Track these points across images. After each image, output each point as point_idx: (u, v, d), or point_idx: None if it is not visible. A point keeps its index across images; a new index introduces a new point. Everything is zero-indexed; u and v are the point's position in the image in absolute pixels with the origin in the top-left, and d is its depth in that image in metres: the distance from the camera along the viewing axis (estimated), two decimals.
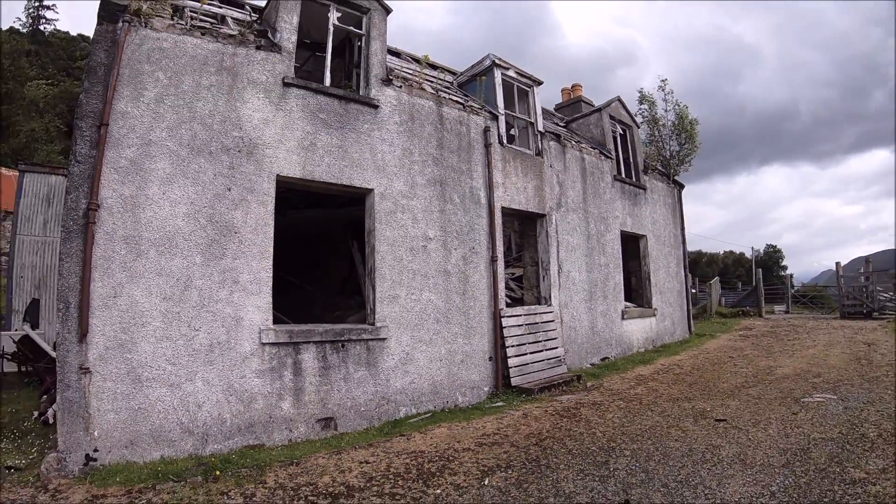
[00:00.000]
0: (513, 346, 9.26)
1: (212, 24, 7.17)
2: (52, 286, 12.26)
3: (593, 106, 15.94)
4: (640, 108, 16.73)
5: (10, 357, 10.26)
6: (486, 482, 5.09)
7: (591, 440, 6.28)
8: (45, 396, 7.88)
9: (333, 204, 10.36)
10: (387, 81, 8.42)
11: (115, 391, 5.63)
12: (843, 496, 4.41)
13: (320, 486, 5.03)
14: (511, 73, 10.88)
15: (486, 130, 9.75)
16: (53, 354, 9.05)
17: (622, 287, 13.03)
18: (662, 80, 16.80)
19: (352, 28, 8.38)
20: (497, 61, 10.62)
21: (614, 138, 14.17)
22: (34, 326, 11.37)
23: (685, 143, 16.68)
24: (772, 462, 5.28)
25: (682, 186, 17.11)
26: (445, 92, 9.80)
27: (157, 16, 6.46)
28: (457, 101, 9.55)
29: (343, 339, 7.30)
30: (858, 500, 4.32)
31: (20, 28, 49.44)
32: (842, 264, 22.40)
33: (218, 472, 5.29)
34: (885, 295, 20.90)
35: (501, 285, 9.49)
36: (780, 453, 5.52)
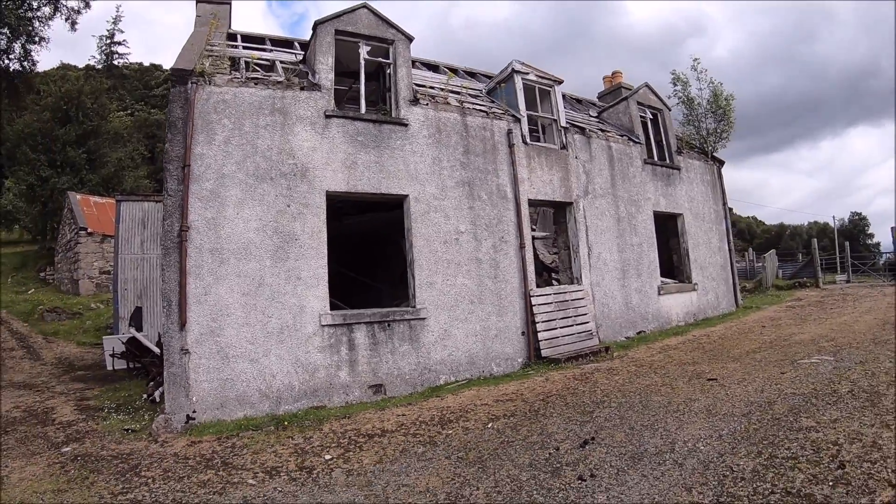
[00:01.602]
0: (542, 322, 10.52)
1: (263, 74, 8.86)
2: (151, 295, 14.50)
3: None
4: (674, 90, 17.25)
5: (120, 356, 12.42)
6: (490, 426, 6.50)
7: (589, 397, 7.50)
8: (151, 383, 9.77)
9: (383, 209, 11.91)
10: (414, 101, 9.87)
11: (208, 366, 7.46)
12: (783, 440, 5.11)
13: (362, 431, 6.63)
14: (531, 76, 12.04)
15: (510, 133, 11.00)
16: (157, 351, 11.08)
17: (657, 264, 13.86)
18: (695, 60, 17.17)
19: (381, 59, 9.89)
20: (516, 68, 11.82)
21: (644, 123, 14.94)
22: (139, 329, 13.39)
23: (721, 121, 17.07)
24: (734, 412, 6.11)
25: (721, 163, 17.48)
26: (471, 102, 11.13)
27: (218, 73, 8.21)
28: (480, 109, 10.86)
29: (388, 319, 8.88)
30: (795, 443, 5.03)
31: (95, 65, 53.67)
32: None
33: (286, 424, 7.01)
34: None
35: (531, 269, 10.75)
36: (746, 405, 6.31)
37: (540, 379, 8.96)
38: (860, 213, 74.13)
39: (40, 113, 27.93)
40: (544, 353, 10.31)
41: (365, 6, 9.85)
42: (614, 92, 18.07)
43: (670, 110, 16.15)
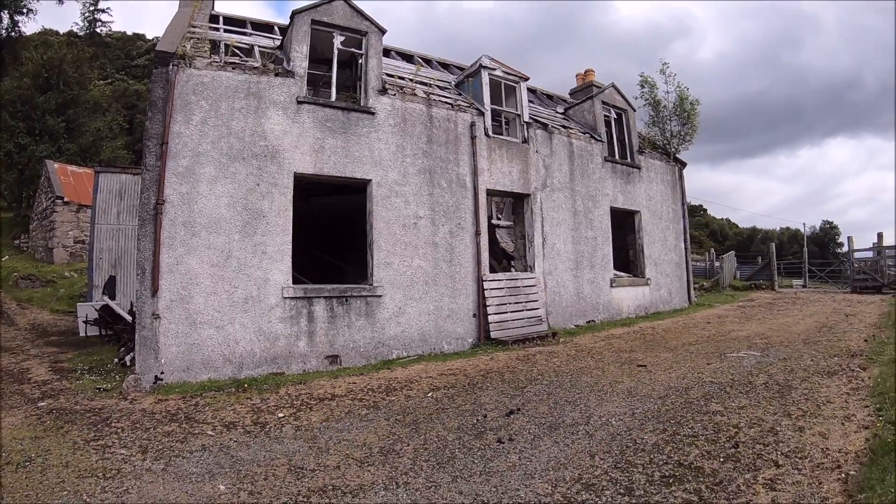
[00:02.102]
0: (493, 306, 11.25)
1: (241, 59, 9.38)
2: (125, 265, 14.91)
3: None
4: (641, 91, 18.04)
5: (93, 322, 12.84)
6: (430, 395, 7.23)
7: (525, 375, 8.24)
8: (122, 348, 10.22)
9: (350, 192, 12.50)
10: (383, 91, 10.47)
11: (177, 331, 8.06)
12: (689, 420, 5.63)
13: (314, 395, 7.33)
14: (498, 72, 12.68)
15: (473, 125, 11.65)
16: (128, 319, 11.54)
17: (611, 257, 14.66)
18: (664, 64, 17.98)
19: (353, 50, 10.46)
20: (484, 63, 12.45)
21: (608, 122, 15.68)
22: (112, 298, 13.81)
23: (686, 124, 17.90)
24: (652, 395, 6.77)
25: (683, 164, 18.32)
26: (438, 94, 11.76)
27: (198, 56, 8.74)
28: (446, 102, 11.49)
29: (347, 295, 9.53)
30: (698, 424, 5.52)
31: (78, 31, 52.87)
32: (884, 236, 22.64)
33: (247, 387, 7.66)
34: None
35: (485, 254, 11.46)
36: (665, 389, 6.96)
37: (486, 358, 9.70)
38: (831, 222, 76.15)
39: (20, 79, 27.79)
40: (493, 334, 11.05)
41: None
42: (585, 90, 18.70)
43: (635, 111, 16.90)
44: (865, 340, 9.37)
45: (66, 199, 21.48)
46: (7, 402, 7.27)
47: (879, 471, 4.07)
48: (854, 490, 3.92)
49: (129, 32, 57.92)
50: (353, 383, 7.96)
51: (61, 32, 48.80)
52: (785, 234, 79.44)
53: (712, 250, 33.36)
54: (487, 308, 11.14)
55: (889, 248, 22.51)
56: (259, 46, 10.32)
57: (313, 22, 10.01)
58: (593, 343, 10.97)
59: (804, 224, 48.82)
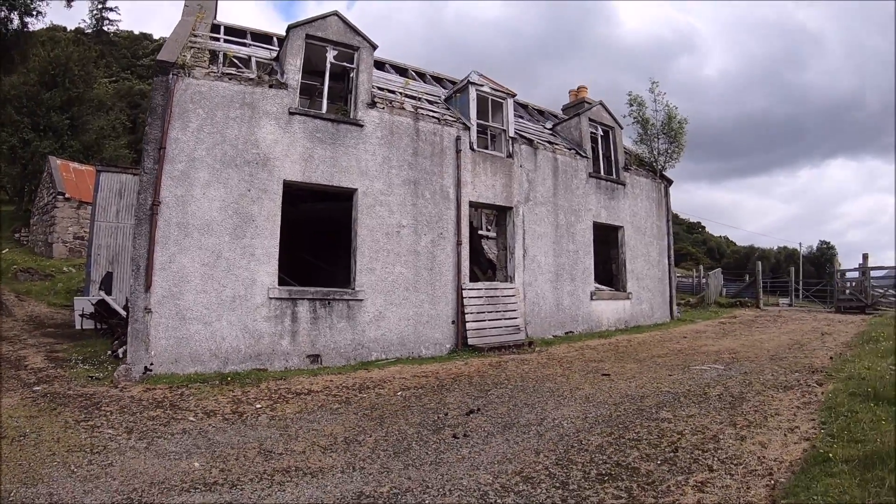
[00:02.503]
0: (472, 314, 11.74)
1: (237, 70, 9.91)
2: (122, 262, 15.38)
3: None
4: (630, 110, 18.57)
5: (88, 316, 13.34)
6: (399, 394, 7.72)
7: (492, 379, 8.69)
8: (116, 342, 10.69)
9: (339, 199, 13.01)
10: (371, 105, 11.01)
11: (167, 325, 8.56)
12: (636, 426, 5.95)
13: (292, 389, 7.82)
14: (486, 88, 13.23)
15: (458, 139, 12.18)
16: (123, 314, 12.02)
17: (591, 271, 15.14)
18: (653, 83, 18.53)
19: (345, 64, 11.01)
20: (472, 80, 13.01)
21: (595, 139, 16.22)
22: (108, 293, 14.23)
23: (673, 142, 18.42)
24: (608, 401, 7.13)
25: (669, 182, 18.84)
26: (426, 108, 12.30)
27: (197, 66, 9.28)
28: (433, 116, 12.03)
29: (329, 298, 10.02)
30: (644, 429, 5.82)
31: (85, 29, 53.57)
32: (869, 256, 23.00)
33: (230, 380, 8.16)
34: (880, 290, 21.79)
35: (465, 264, 11.97)
36: (621, 397, 7.30)
37: (460, 363, 10.16)
38: (828, 243, 76.79)
39: (27, 75, 28.35)
40: (471, 341, 11.52)
41: (336, 14, 10.96)
42: (577, 105, 19.19)
43: (622, 129, 17.42)
44: (831, 358, 9.55)
45: (67, 196, 21.97)
46: (5, 385, 7.76)
47: (808, 479, 4.26)
48: (779, 496, 4.11)
49: (136, 32, 58.72)
50: (330, 381, 8.44)
51: (69, 29, 49.46)
52: (782, 254, 79.91)
53: (701, 267, 33.83)
54: (466, 315, 11.62)
55: (874, 268, 22.97)
56: (256, 57, 10.86)
57: (307, 36, 10.57)
58: (566, 353, 11.39)
59: (800, 244, 49.28)
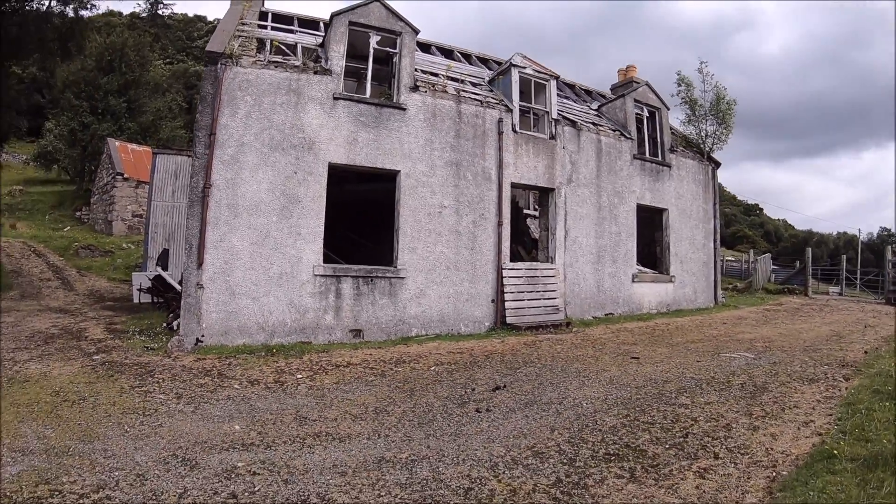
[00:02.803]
0: (511, 293, 11.90)
1: (283, 57, 10.25)
2: (177, 239, 16.10)
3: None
4: (678, 90, 18.17)
5: (146, 290, 14.10)
6: (433, 369, 8.04)
7: (523, 358, 8.87)
8: (171, 315, 11.34)
9: (383, 180, 13.32)
10: (414, 88, 11.19)
11: (217, 300, 9.07)
12: (652, 409, 6.09)
13: (333, 362, 8.22)
14: (529, 70, 13.21)
15: (500, 121, 12.26)
16: (178, 288, 12.61)
17: (634, 253, 15.03)
18: (702, 63, 18.08)
19: (388, 49, 11.21)
20: (515, 62, 13.01)
21: (640, 120, 15.99)
22: (164, 269, 14.96)
23: (721, 124, 17.96)
24: (631, 384, 7.23)
25: (717, 164, 18.39)
26: (469, 91, 12.42)
27: (245, 54, 9.65)
28: (475, 98, 12.14)
29: (372, 275, 10.39)
30: (659, 413, 5.97)
31: (140, 13, 55.24)
32: None
33: (275, 352, 8.61)
34: None
35: (506, 244, 12.11)
36: (645, 381, 7.39)
37: (496, 341, 10.37)
38: (889, 229, 73.15)
39: (84, 61, 29.62)
40: (509, 320, 11.71)
41: (378, 0, 11.13)
42: (625, 85, 18.76)
43: (668, 109, 17.06)
44: (865, 352, 9.31)
45: (125, 176, 23.07)
46: (66, 354, 8.41)
47: (809, 474, 4.28)
48: (776, 488, 4.18)
49: (191, 14, 60.36)
50: (370, 355, 8.80)
51: (124, 14, 51.19)
52: (841, 239, 76.91)
53: (751, 252, 32.91)
54: (505, 295, 11.80)
55: None
56: (302, 44, 11.18)
57: (350, 23, 10.80)
58: (601, 334, 11.45)
59: (859, 230, 47.21)
